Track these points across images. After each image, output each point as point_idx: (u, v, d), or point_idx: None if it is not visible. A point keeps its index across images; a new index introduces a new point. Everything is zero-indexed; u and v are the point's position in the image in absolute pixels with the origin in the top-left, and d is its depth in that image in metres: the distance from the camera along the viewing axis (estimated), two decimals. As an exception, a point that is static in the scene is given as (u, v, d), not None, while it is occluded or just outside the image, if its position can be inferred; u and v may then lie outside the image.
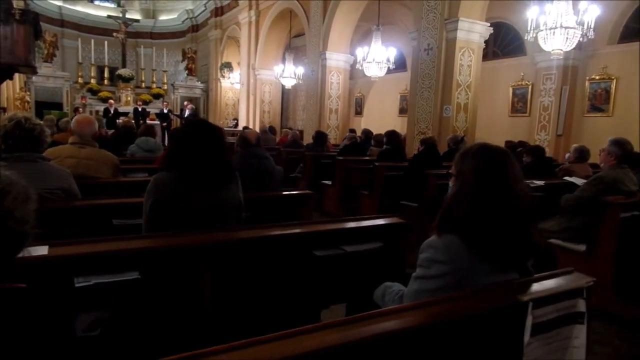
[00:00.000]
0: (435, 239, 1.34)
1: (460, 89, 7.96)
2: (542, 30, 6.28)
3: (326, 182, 6.59)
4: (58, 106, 15.96)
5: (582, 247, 3.47)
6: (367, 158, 6.55)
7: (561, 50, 6.37)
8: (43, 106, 15.71)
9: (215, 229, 1.86)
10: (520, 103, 10.85)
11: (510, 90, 11.00)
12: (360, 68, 9.98)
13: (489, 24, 8.08)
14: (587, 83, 9.23)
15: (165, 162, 1.95)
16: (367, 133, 8.13)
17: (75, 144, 3.16)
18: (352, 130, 9.50)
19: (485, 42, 10.27)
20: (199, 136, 1.89)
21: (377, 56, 9.46)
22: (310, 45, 11.95)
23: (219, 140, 1.94)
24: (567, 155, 5.75)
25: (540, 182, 4.13)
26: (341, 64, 11.54)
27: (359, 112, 16.43)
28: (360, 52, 9.74)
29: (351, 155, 6.74)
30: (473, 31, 7.83)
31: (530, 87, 10.43)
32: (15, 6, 11.28)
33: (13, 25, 7.88)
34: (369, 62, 9.53)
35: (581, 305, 1.37)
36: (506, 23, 10.93)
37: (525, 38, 6.61)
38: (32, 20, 8.28)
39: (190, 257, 1.71)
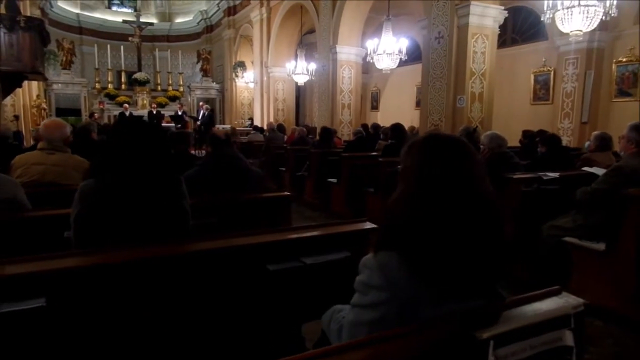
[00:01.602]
0: (371, 258, 1.05)
1: (475, 77, 7.54)
2: (559, 10, 5.82)
3: (332, 180, 6.31)
4: (77, 112, 16.18)
5: (600, 246, 3.09)
6: (373, 154, 6.23)
7: (581, 31, 5.88)
8: (64, 113, 15.95)
9: (148, 243, 1.61)
10: (542, 90, 10.31)
11: (532, 77, 10.48)
12: (371, 61, 9.63)
13: (503, 8, 7.61)
14: (613, 66, 8.64)
15: (93, 168, 1.72)
16: (376, 127, 7.80)
17: (44, 149, 3.00)
18: (364, 126, 9.16)
19: (504, 28, 9.80)
20: (128, 138, 1.65)
21: (388, 48, 9.09)
22: (321, 39, 11.67)
23: (154, 142, 1.69)
24: (586, 143, 5.29)
25: (555, 174, 3.74)
26: (352, 57, 11.21)
27: (375, 106, 16.08)
28: (370, 44, 9.39)
29: (358, 152, 6.43)
30: (486, 15, 7.38)
31: (552, 73, 9.89)
32: (30, 14, 11.48)
33: (18, 32, 7.88)
34: (379, 54, 9.17)
35: (568, 338, 1.06)
36: (525, 7, 10.40)
37: (542, 19, 6.15)
38: (38, 27, 8.28)
39: (112, 279, 1.48)
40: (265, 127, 11.95)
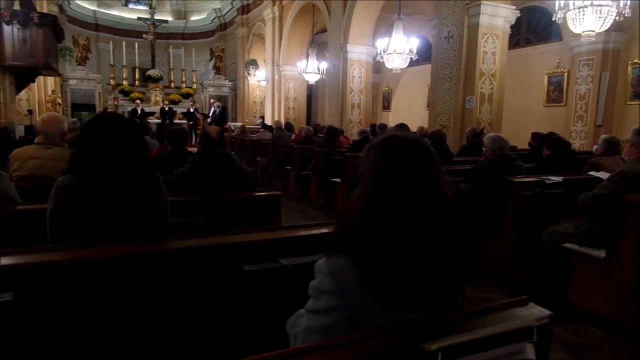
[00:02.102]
0: (323, 262, 1.03)
1: (484, 78, 7.43)
2: (570, 10, 5.69)
3: (336, 179, 6.28)
4: (92, 108, 16.43)
5: (601, 253, 3.00)
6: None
7: (593, 32, 5.74)
8: (78, 108, 16.26)
9: (121, 240, 1.60)
10: (556, 92, 10.11)
11: (545, 78, 10.27)
12: (381, 60, 9.56)
13: (514, 7, 7.48)
14: (629, 68, 8.43)
15: (70, 164, 1.72)
16: (382, 127, 7.73)
17: (41, 144, 3.04)
18: (372, 126, 9.11)
19: (517, 28, 9.64)
20: (104, 133, 1.64)
21: (399, 47, 9.01)
22: (332, 38, 11.64)
23: (130, 137, 1.68)
24: (594, 147, 5.17)
25: (558, 178, 3.65)
26: (363, 56, 11.14)
27: (386, 106, 15.97)
28: (380, 43, 9.32)
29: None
30: (497, 15, 7.27)
31: (566, 74, 9.69)
32: (48, 11, 11.67)
33: (32, 28, 8.00)
34: (390, 54, 9.10)
35: (529, 352, 1.02)
36: (539, 7, 10.20)
37: (553, 19, 6.02)
38: (51, 23, 8.40)
39: (82, 276, 1.47)
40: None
